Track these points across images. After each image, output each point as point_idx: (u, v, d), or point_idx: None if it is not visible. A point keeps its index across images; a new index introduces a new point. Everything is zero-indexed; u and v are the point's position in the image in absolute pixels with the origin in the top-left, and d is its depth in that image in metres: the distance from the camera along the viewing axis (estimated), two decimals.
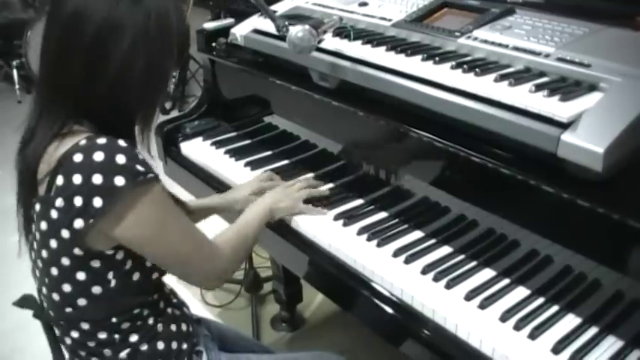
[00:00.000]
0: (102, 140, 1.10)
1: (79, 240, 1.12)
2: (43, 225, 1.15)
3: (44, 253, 1.18)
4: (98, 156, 1.08)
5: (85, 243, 1.12)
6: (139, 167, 1.10)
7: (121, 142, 1.10)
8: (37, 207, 1.16)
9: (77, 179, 1.08)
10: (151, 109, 1.24)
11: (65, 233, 1.12)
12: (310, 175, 1.67)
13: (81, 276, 1.17)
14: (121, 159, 1.08)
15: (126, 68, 1.13)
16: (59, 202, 1.10)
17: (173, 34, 1.18)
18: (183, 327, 1.36)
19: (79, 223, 1.10)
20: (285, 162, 1.91)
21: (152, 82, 1.18)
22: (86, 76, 1.13)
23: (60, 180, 1.10)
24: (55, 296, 1.21)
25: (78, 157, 1.08)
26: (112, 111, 1.17)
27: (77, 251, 1.14)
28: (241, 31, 1.95)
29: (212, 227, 1.48)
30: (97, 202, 1.08)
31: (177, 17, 1.18)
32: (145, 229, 1.15)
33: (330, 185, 1.74)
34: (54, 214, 1.12)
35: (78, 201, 1.08)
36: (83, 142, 1.10)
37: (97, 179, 1.07)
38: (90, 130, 1.15)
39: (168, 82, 1.21)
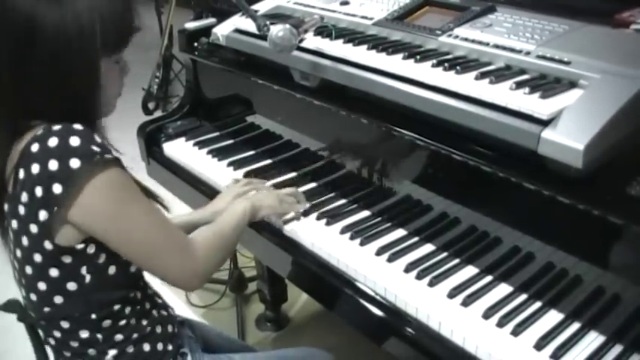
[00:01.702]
0: (57, 126, 1.08)
1: (47, 233, 1.10)
2: (14, 224, 1.14)
3: (18, 253, 1.17)
4: (52, 142, 1.06)
5: (53, 235, 1.10)
6: (95, 148, 1.08)
7: (76, 125, 1.09)
8: (6, 206, 1.15)
9: (35, 169, 1.06)
10: (91, 104, 1.17)
11: (34, 228, 1.11)
12: (293, 189, 1.64)
13: (54, 273, 1.15)
14: (74, 141, 1.06)
15: (50, 62, 1.10)
16: (24, 196, 1.09)
17: (93, 21, 1.11)
18: (169, 328, 1.36)
19: (43, 215, 1.08)
20: (268, 161, 1.90)
21: (78, 72, 1.13)
22: (15, 76, 1.11)
23: (21, 173, 1.08)
24: (33, 296, 1.21)
25: (35, 147, 1.07)
26: (57, 111, 1.13)
27: (48, 245, 1.12)
28: (223, 30, 1.95)
29: None
30: (57, 188, 1.06)
31: (106, 5, 1.13)
32: (106, 216, 1.11)
33: (313, 184, 1.74)
34: (21, 210, 1.11)
35: (39, 191, 1.07)
36: (40, 131, 1.09)
37: (53, 165, 1.06)
38: (47, 122, 1.12)
39: (98, 73, 1.15)
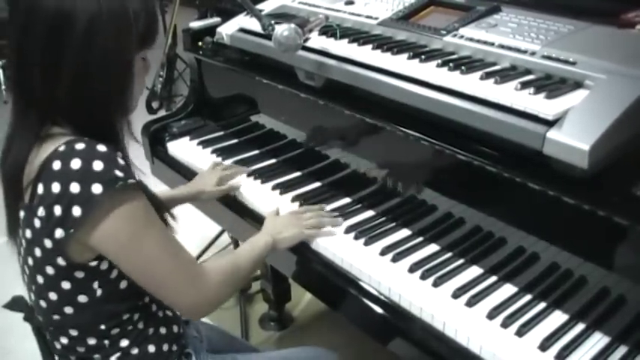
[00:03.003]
0: (80, 146, 1.07)
1: (61, 250, 1.10)
2: (28, 233, 1.13)
3: (30, 261, 1.16)
4: (75, 163, 1.05)
5: (67, 253, 1.10)
6: (118, 173, 1.07)
7: (100, 147, 1.07)
8: (22, 214, 1.14)
9: (56, 188, 1.06)
10: (121, 101, 1.17)
11: (48, 243, 1.10)
12: (321, 206, 1.61)
13: (66, 285, 1.15)
14: (98, 165, 1.05)
15: (84, 58, 1.08)
16: (41, 211, 1.08)
17: (128, 20, 1.11)
18: (174, 329, 1.36)
19: (59, 233, 1.08)
20: (272, 161, 1.90)
21: (113, 69, 1.12)
22: (45, 75, 1.09)
23: (40, 188, 1.07)
24: (42, 303, 1.20)
25: (56, 165, 1.06)
26: (83, 109, 1.13)
27: (60, 261, 1.12)
28: (228, 30, 1.95)
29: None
30: (77, 211, 1.05)
31: (134, 2, 1.12)
32: (122, 241, 1.11)
33: (317, 184, 1.74)
34: (37, 222, 1.10)
35: (57, 210, 1.06)
36: (62, 147, 1.07)
37: (75, 188, 1.05)
38: (69, 132, 1.12)
39: (132, 72, 1.15)
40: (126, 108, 1.18)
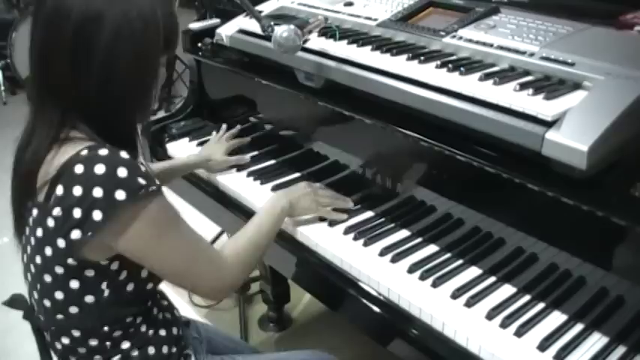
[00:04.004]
0: (104, 152, 1.07)
1: (75, 250, 1.10)
2: (39, 232, 1.13)
3: (38, 260, 1.16)
4: (99, 169, 1.05)
5: (80, 254, 1.11)
6: (141, 180, 1.08)
7: (123, 154, 1.08)
8: (35, 212, 1.14)
9: (77, 191, 1.06)
10: (144, 105, 1.20)
11: (61, 242, 1.10)
12: (332, 193, 1.61)
13: (74, 284, 1.15)
14: (122, 172, 1.06)
15: (111, 62, 1.10)
16: (57, 211, 1.08)
17: (157, 23, 1.14)
18: (174, 331, 1.35)
19: (76, 234, 1.08)
20: (272, 162, 1.90)
21: (140, 74, 1.15)
22: (72, 74, 1.10)
23: (60, 190, 1.08)
24: (47, 302, 1.20)
25: (79, 169, 1.06)
26: (106, 111, 1.14)
27: (71, 261, 1.12)
28: (227, 31, 1.95)
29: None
30: (97, 215, 1.06)
31: (160, 6, 1.15)
32: (146, 242, 1.13)
33: (317, 185, 1.74)
34: (50, 222, 1.10)
35: (77, 212, 1.06)
36: (84, 152, 1.07)
37: (98, 192, 1.05)
38: (88, 136, 1.13)
39: (158, 75, 1.19)
40: (147, 112, 1.22)
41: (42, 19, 1.12)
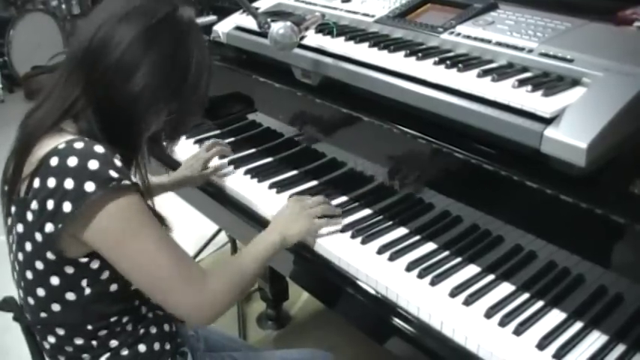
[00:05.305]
0: (79, 144, 1.08)
1: (51, 244, 1.11)
2: (20, 227, 1.14)
3: (20, 256, 1.17)
4: (72, 161, 1.06)
5: (57, 247, 1.11)
6: (112, 173, 1.08)
7: (97, 148, 1.08)
8: (14, 209, 1.15)
9: (51, 183, 1.07)
10: (155, 113, 1.21)
11: (38, 237, 1.11)
12: (322, 198, 1.56)
13: (55, 281, 1.15)
14: (93, 164, 1.06)
15: (152, 72, 1.14)
16: (34, 204, 1.09)
17: (205, 64, 1.22)
18: (166, 327, 1.34)
19: (49, 227, 1.09)
20: (269, 159, 1.90)
21: (167, 85, 1.18)
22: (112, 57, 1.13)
23: (37, 182, 1.09)
24: (30, 300, 1.20)
25: (54, 161, 1.07)
26: (118, 103, 1.15)
27: (50, 255, 1.12)
28: (224, 28, 1.94)
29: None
30: (67, 206, 1.06)
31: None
32: (114, 238, 1.11)
33: (314, 182, 1.74)
34: (29, 216, 1.11)
35: (50, 204, 1.07)
36: (62, 145, 1.08)
37: (69, 184, 1.06)
38: (80, 133, 1.13)
39: (180, 97, 1.22)
40: (156, 118, 1.23)
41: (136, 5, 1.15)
